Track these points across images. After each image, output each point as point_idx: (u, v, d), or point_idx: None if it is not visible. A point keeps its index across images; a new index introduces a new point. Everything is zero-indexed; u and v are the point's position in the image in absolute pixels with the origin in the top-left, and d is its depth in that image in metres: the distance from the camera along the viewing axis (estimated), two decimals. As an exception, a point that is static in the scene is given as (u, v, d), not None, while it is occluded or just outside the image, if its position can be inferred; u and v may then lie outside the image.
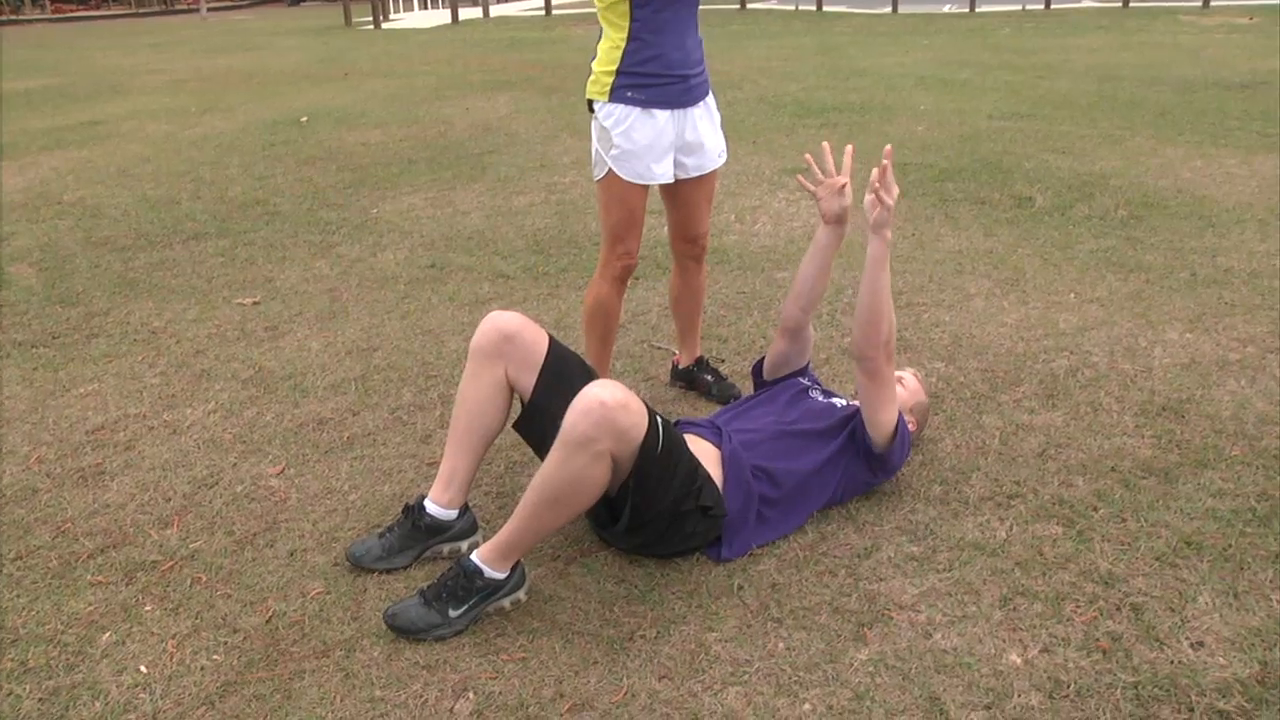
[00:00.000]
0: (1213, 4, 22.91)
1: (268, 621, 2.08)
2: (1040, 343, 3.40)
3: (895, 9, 24.15)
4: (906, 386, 2.62)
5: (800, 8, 25.41)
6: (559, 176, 6.11)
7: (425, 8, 33.49)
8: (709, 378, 3.11)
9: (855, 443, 2.40)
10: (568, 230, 4.95)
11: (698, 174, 2.77)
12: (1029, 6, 23.86)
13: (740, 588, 2.14)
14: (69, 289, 4.36)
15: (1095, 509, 2.39)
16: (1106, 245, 4.48)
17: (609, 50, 2.58)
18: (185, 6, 45.79)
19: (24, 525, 2.50)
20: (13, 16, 35.38)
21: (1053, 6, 23.37)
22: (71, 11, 43.34)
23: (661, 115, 2.61)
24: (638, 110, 2.58)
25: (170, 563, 2.31)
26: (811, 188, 2.51)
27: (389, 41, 19.39)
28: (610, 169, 2.64)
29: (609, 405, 1.89)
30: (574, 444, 1.90)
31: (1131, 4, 24.15)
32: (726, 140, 2.87)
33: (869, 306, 2.28)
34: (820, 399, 2.57)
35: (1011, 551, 2.24)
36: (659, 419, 2.01)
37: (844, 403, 2.55)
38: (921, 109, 8.35)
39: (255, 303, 4.05)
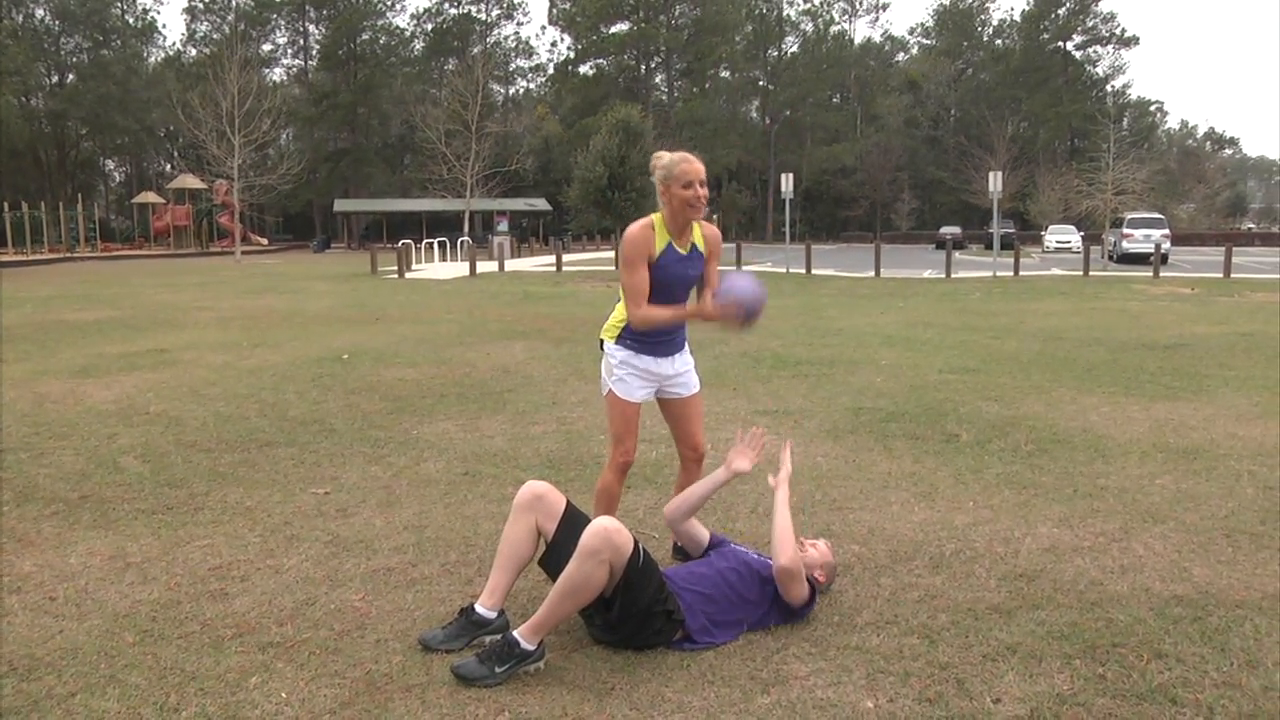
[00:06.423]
0: (1162, 274, 25.02)
1: (367, 674, 3.03)
2: (936, 533, 4.41)
3: (878, 273, 26.33)
4: (819, 550, 3.65)
5: (791, 270, 27.62)
6: (568, 412, 7.25)
7: (445, 260, 35.99)
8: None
9: (777, 600, 3.41)
10: (575, 452, 6.01)
11: (679, 395, 3.89)
12: (999, 273, 26.00)
13: (688, 665, 3.10)
14: (172, 476, 5.44)
15: (948, 629, 3.36)
16: (1011, 470, 5.54)
17: (621, 313, 3.78)
18: (219, 249, 49.05)
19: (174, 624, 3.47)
20: (67, 255, 38.42)
21: (1021, 274, 25.54)
22: (118, 251, 46.55)
23: (648, 359, 3.78)
24: (634, 351, 3.76)
25: (292, 642, 3.27)
26: (739, 441, 3.72)
27: (413, 291, 21.18)
28: (611, 389, 3.79)
29: (609, 530, 2.97)
30: (586, 554, 2.94)
31: (1092, 273, 26.36)
32: (710, 387, 4.03)
33: (778, 530, 3.43)
34: (754, 555, 3.59)
35: (880, 650, 3.20)
36: (640, 544, 3.06)
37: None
38: (883, 364, 9.63)
39: (326, 493, 5.11)
